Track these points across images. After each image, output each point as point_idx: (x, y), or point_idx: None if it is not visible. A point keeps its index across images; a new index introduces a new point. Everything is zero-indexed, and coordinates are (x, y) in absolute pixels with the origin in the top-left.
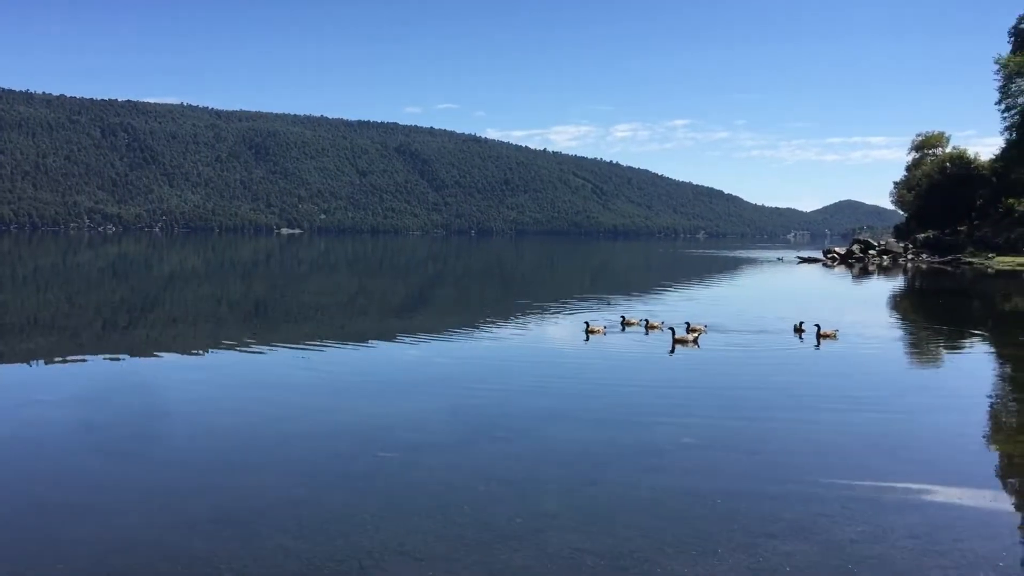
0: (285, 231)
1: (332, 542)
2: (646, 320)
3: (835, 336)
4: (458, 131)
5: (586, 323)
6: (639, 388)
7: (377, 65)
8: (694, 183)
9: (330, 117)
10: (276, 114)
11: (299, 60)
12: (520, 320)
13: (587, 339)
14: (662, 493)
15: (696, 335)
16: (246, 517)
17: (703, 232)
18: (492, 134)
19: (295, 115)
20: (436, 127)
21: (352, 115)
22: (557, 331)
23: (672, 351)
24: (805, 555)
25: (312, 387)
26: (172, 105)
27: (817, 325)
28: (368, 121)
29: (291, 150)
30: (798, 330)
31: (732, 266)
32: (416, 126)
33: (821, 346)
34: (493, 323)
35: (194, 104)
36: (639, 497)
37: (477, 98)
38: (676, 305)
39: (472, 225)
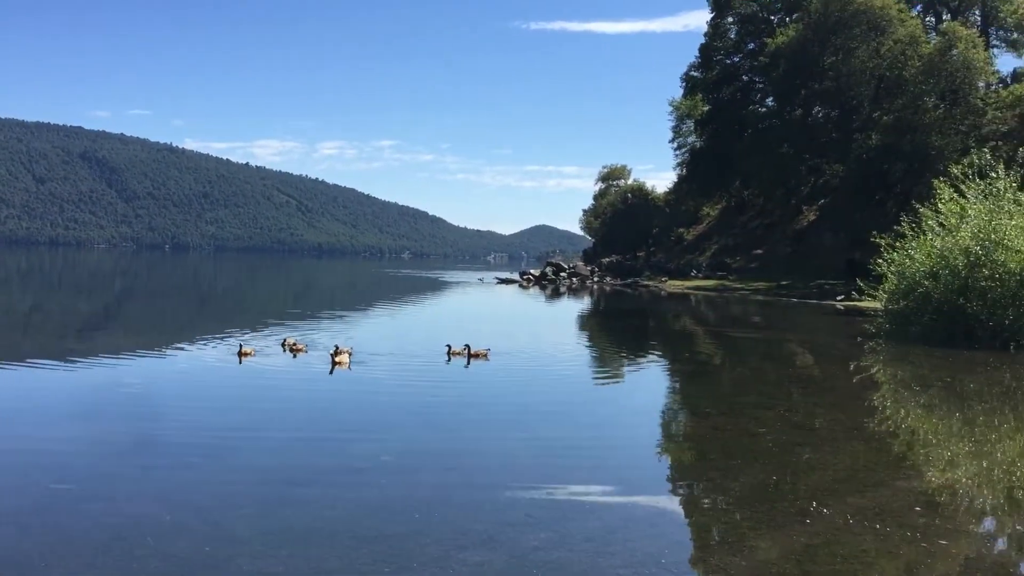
0: None
1: None
2: (293, 342)
3: (486, 356)
4: (152, 139)
5: (240, 345)
6: (330, 406)
7: (59, 63)
8: (400, 203)
9: (2, 117)
10: None
11: None
12: (214, 340)
13: (240, 362)
14: (359, 511)
15: (348, 354)
16: None
17: (408, 252)
18: (190, 144)
19: None
20: (127, 134)
21: (29, 116)
22: (264, 351)
23: (331, 371)
24: (493, 564)
25: None
26: None
27: (467, 345)
28: (48, 123)
29: None
30: (453, 353)
31: (435, 287)
32: (104, 131)
33: (470, 365)
34: (186, 343)
35: None
36: (335, 517)
37: (174, 105)
38: (372, 327)
39: (166, 239)
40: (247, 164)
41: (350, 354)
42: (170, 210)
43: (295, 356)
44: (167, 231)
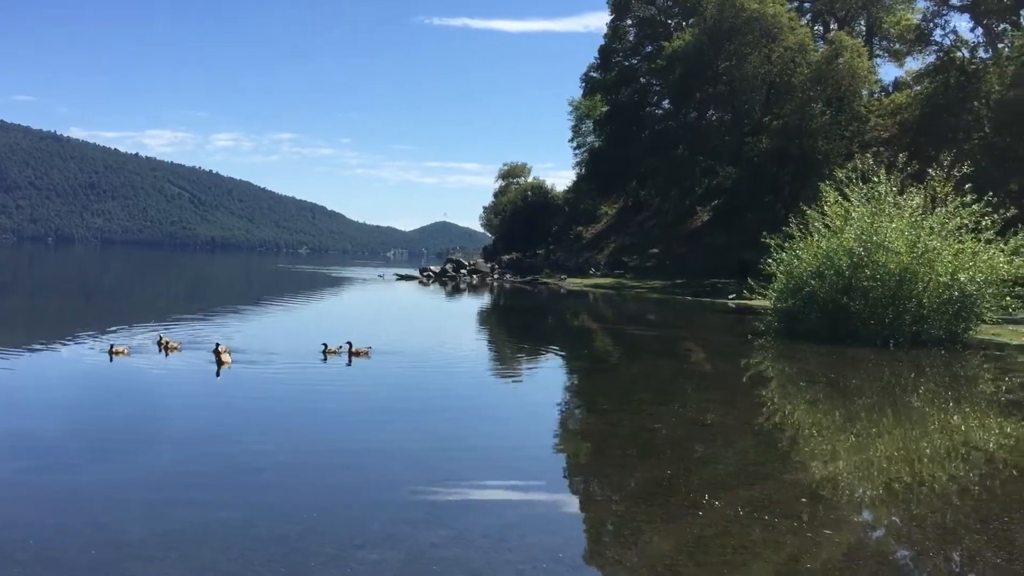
0: None
1: None
2: (167, 341)
3: (368, 354)
4: (35, 127)
5: (111, 345)
6: (220, 405)
7: None
8: (297, 198)
9: None
10: None
11: None
12: (92, 338)
13: (111, 360)
14: (253, 512)
15: (227, 352)
16: None
17: (306, 248)
18: (77, 133)
19: None
20: (8, 120)
21: None
22: (138, 349)
23: (218, 374)
24: (391, 562)
25: None
26: None
27: (349, 343)
28: None
29: None
30: (329, 352)
31: (333, 283)
32: None
33: (352, 363)
34: (61, 341)
35: None
36: (228, 518)
37: (59, 92)
38: (264, 325)
39: (50, 231)
40: (136, 154)
41: (229, 352)
42: (54, 201)
43: (167, 355)
44: (50, 223)
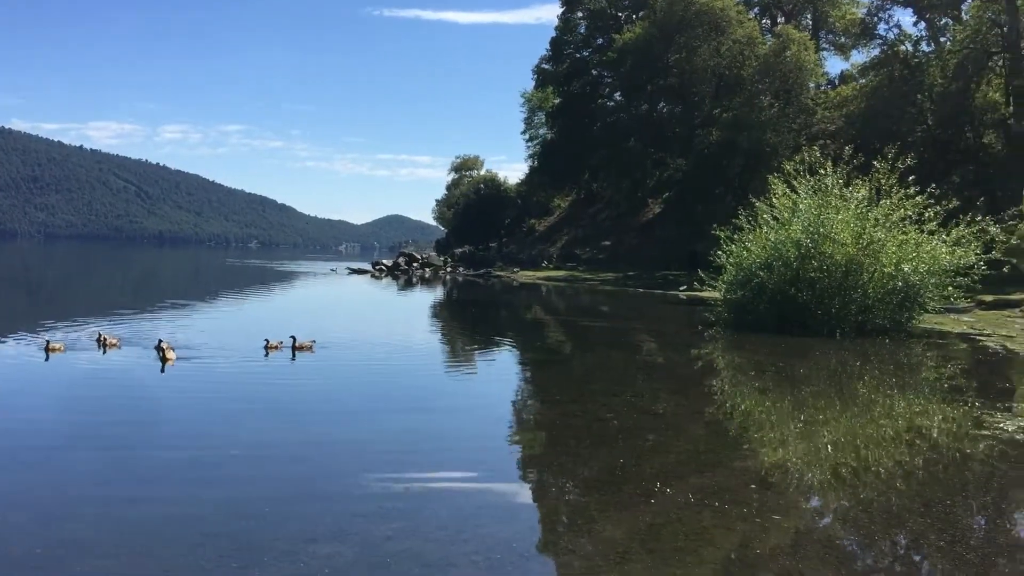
0: None
1: None
2: (105, 337)
3: (311, 348)
4: None
5: (47, 342)
6: (168, 401)
7: None
8: (247, 191)
9: None
10: None
11: None
12: (34, 335)
13: (47, 358)
14: (205, 508)
15: (171, 350)
16: None
17: (256, 241)
18: (18, 125)
19: None
20: None
21: None
22: (76, 345)
23: (162, 371)
24: (343, 556)
25: None
26: None
27: (293, 337)
28: None
29: None
30: (271, 347)
31: (284, 278)
32: None
33: (296, 358)
34: (16, 339)
35: None
36: (180, 514)
37: (1, 83)
38: (211, 320)
39: None
40: (81, 147)
41: (172, 349)
42: None
43: (105, 352)
44: None
